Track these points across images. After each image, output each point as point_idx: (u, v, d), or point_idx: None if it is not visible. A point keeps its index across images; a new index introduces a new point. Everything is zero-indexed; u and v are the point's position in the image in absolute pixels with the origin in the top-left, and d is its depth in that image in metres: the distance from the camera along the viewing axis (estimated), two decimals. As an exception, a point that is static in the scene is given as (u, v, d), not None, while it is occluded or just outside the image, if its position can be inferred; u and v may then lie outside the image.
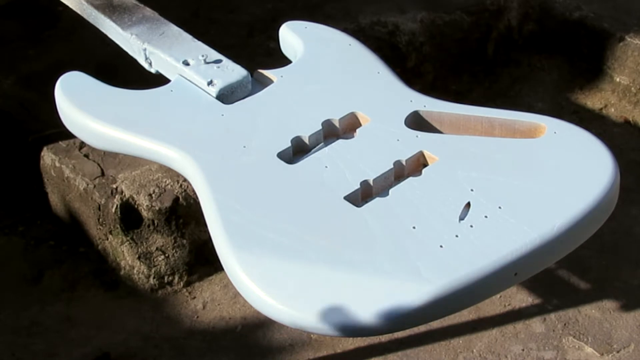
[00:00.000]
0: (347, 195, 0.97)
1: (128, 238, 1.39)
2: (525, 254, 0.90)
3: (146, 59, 1.22)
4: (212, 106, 1.11)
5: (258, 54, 1.64)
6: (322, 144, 1.07)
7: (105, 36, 1.29)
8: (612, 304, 1.35)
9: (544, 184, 0.97)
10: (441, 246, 0.90)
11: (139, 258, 1.40)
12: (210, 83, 1.13)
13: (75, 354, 1.31)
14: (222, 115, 1.10)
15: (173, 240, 1.39)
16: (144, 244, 1.39)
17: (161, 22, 1.25)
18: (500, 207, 0.94)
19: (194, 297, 1.40)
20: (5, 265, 1.46)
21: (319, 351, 1.30)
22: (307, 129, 1.07)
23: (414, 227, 0.93)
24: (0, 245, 1.49)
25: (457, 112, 1.08)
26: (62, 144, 1.47)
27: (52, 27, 1.76)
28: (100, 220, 1.40)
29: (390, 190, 0.98)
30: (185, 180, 1.33)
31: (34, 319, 1.37)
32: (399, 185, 0.99)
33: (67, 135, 1.18)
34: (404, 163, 1.02)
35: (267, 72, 1.17)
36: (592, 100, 1.76)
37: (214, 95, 1.12)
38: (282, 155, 1.03)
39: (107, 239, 1.42)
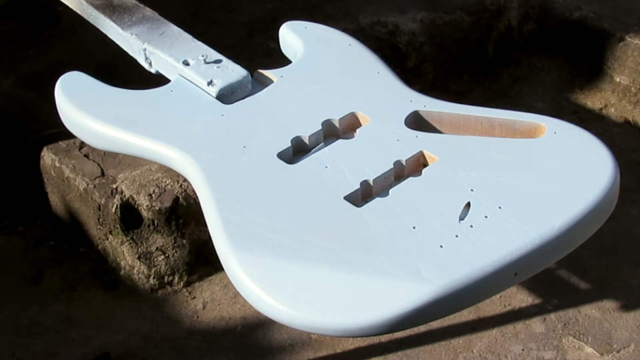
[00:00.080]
0: (347, 195, 0.97)
1: (128, 238, 1.39)
2: (525, 254, 0.90)
3: (146, 59, 1.22)
4: (212, 106, 1.11)
5: (258, 54, 1.64)
6: (322, 144, 1.07)
7: (105, 36, 1.29)
8: (612, 304, 1.35)
9: (544, 184, 0.97)
10: (441, 246, 0.90)
11: (139, 258, 1.40)
12: (210, 83, 1.13)
13: (75, 354, 1.31)
14: (222, 115, 1.10)
15: (173, 240, 1.39)
16: (144, 244, 1.39)
17: (161, 22, 1.25)
18: (500, 207, 0.94)
19: (194, 297, 1.40)
20: (5, 265, 1.46)
21: (319, 351, 1.30)
22: (307, 129, 1.07)
23: (414, 227, 0.93)
24: (0, 245, 1.49)
25: (457, 112, 1.08)
26: (62, 144, 1.47)
27: (52, 27, 1.76)
28: (100, 220, 1.40)
29: (390, 190, 0.98)
30: (185, 180, 1.33)
31: (34, 319, 1.37)
32: (399, 185, 0.99)
33: (67, 135, 1.18)
34: (404, 163, 1.02)
35: (267, 72, 1.16)
36: (592, 100, 1.76)
37: (214, 95, 1.12)
38: (282, 155, 1.03)
39: (107, 239, 1.42)
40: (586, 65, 1.78)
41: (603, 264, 1.42)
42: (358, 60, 1.19)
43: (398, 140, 1.04)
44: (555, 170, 0.98)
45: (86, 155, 1.44)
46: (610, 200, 0.96)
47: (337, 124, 1.08)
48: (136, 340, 1.33)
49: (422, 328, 1.30)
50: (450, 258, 0.89)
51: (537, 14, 1.83)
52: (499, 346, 1.30)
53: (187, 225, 1.39)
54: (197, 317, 1.37)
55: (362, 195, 0.99)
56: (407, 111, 1.08)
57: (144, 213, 1.37)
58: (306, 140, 1.06)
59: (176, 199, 1.37)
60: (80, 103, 1.12)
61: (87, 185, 1.40)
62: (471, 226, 0.92)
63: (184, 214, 1.38)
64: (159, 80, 1.18)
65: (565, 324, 1.33)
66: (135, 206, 1.37)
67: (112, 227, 1.39)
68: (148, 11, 1.28)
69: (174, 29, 1.24)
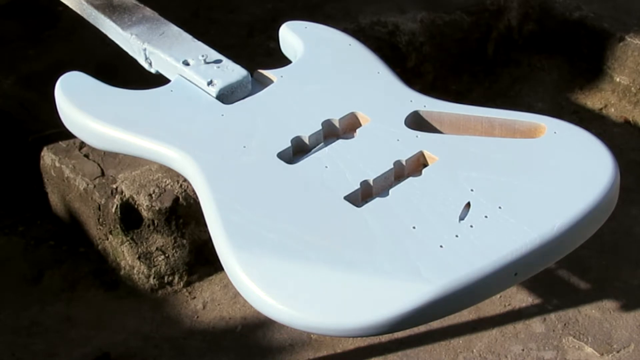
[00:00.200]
0: (347, 195, 0.97)
1: (128, 238, 1.39)
2: (525, 254, 0.90)
3: (146, 59, 1.22)
4: (212, 106, 1.11)
5: (258, 54, 1.64)
6: (322, 144, 1.07)
7: (105, 36, 1.29)
8: (612, 304, 1.35)
9: (544, 184, 0.97)
10: (441, 246, 0.90)
11: (139, 258, 1.40)
12: (210, 83, 1.13)
13: (75, 354, 1.31)
14: (222, 115, 1.10)
15: (173, 240, 1.39)
16: (144, 244, 1.39)
17: (161, 22, 1.25)
18: (500, 207, 0.94)
19: (194, 297, 1.40)
20: (5, 265, 1.46)
21: (319, 351, 1.30)
22: (307, 129, 1.07)
23: (414, 227, 0.93)
24: (0, 245, 1.49)
25: (457, 112, 1.08)
26: (62, 144, 1.47)
27: (52, 27, 1.76)
28: (100, 220, 1.40)
29: (390, 190, 0.98)
30: (185, 180, 1.33)
31: (34, 319, 1.37)
32: (399, 185, 0.99)
33: (67, 135, 1.18)
34: (404, 163, 1.02)
35: (267, 72, 1.16)
36: (592, 100, 1.76)
37: (214, 95, 1.12)
38: (282, 155, 1.03)
39: (107, 239, 1.42)
40: (586, 65, 1.78)
41: (603, 264, 1.42)
42: (358, 60, 1.19)
43: (398, 140, 1.04)
44: (555, 170, 0.98)
45: (86, 155, 1.44)
46: (610, 200, 0.96)
47: (337, 124, 1.08)
48: (136, 340, 1.33)
49: (422, 328, 1.30)
50: (450, 258, 0.89)
51: (537, 14, 1.83)
52: (499, 346, 1.30)
53: (187, 225, 1.39)
54: (197, 317, 1.37)
55: (362, 195, 0.99)
56: (407, 111, 1.08)
57: (144, 213, 1.37)
58: (306, 140, 1.06)
59: (176, 199, 1.37)
60: (80, 103, 1.12)
61: (87, 185, 1.40)
62: (471, 226, 0.92)
63: (184, 214, 1.38)
64: (159, 80, 1.18)
65: (565, 324, 1.33)
66: (135, 206, 1.37)
67: (112, 227, 1.39)
68: (148, 11, 1.28)
69: (174, 29, 1.24)
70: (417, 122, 1.08)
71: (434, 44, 1.75)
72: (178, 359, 1.30)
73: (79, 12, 1.34)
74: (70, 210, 1.47)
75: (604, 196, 0.95)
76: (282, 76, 1.16)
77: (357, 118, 1.09)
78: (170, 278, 1.41)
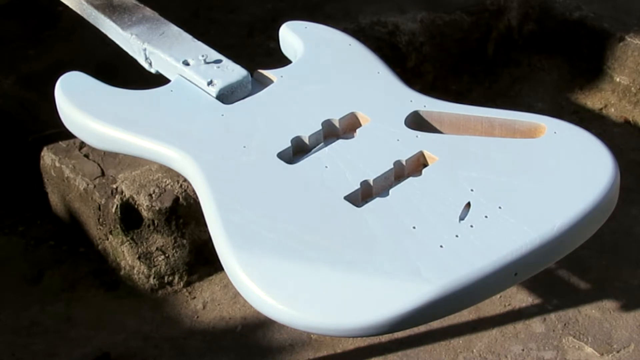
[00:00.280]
0: (347, 195, 0.97)
1: (128, 238, 1.39)
2: (525, 254, 0.90)
3: (146, 59, 1.22)
4: (212, 106, 1.11)
5: (258, 54, 1.64)
6: (322, 144, 1.07)
7: (105, 36, 1.29)
8: (612, 304, 1.35)
9: (544, 184, 0.97)
10: (441, 246, 0.90)
11: (139, 258, 1.40)
12: (210, 83, 1.13)
13: (75, 354, 1.31)
14: (222, 115, 1.10)
15: (173, 240, 1.39)
16: (144, 244, 1.39)
17: (161, 22, 1.25)
18: (500, 207, 0.94)
19: (194, 297, 1.40)
20: (5, 265, 1.46)
21: (319, 351, 1.30)
22: (307, 129, 1.07)
23: (414, 227, 0.93)
24: (0, 245, 1.49)
25: (457, 112, 1.08)
26: (62, 144, 1.47)
27: (52, 27, 1.76)
28: (100, 220, 1.40)
29: (391, 190, 0.98)
30: (185, 180, 1.33)
31: (34, 319, 1.37)
32: (399, 185, 0.99)
33: (67, 135, 1.18)
34: (404, 163, 1.02)
35: (267, 72, 1.16)
36: (592, 100, 1.76)
37: (214, 95, 1.12)
38: (282, 155, 1.03)
39: (107, 239, 1.42)
40: (586, 65, 1.78)
41: (603, 264, 1.42)
42: (358, 60, 1.19)
43: (398, 140, 1.04)
44: (555, 170, 0.98)
45: (86, 155, 1.44)
46: (610, 200, 0.96)
47: (337, 124, 1.08)
48: (136, 340, 1.33)
49: (422, 328, 1.30)
50: (450, 258, 0.89)
51: (537, 14, 1.83)
52: (499, 346, 1.30)
53: (187, 225, 1.39)
54: (197, 317, 1.37)
55: (362, 195, 0.99)
56: (407, 111, 1.08)
57: (144, 213, 1.37)
58: (306, 140, 1.06)
59: (176, 199, 1.37)
60: (80, 103, 1.12)
61: (87, 185, 1.40)
62: (471, 226, 0.92)
63: (184, 214, 1.38)
64: (159, 80, 1.18)
65: (565, 324, 1.33)
66: (135, 206, 1.37)
67: (112, 227, 1.39)
68: (148, 11, 1.28)
69: (174, 29, 1.24)
70: (417, 122, 1.08)
71: (434, 44, 1.75)
72: (178, 359, 1.30)
73: (79, 12, 1.34)
74: (70, 210, 1.47)
75: (604, 196, 0.95)
76: (282, 76, 1.16)
77: (357, 118, 1.09)
78: (170, 278, 1.41)
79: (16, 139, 1.53)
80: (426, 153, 1.02)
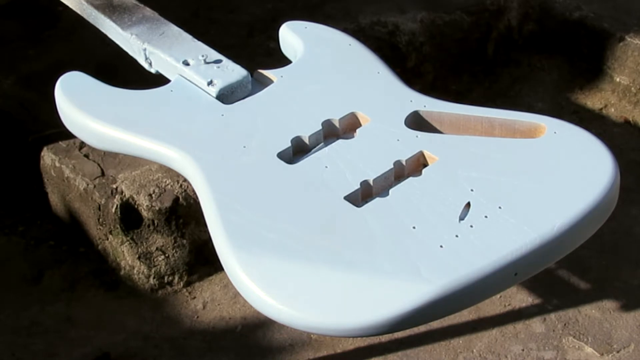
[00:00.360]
0: (347, 195, 0.97)
1: (128, 238, 1.39)
2: (525, 254, 0.90)
3: (146, 59, 1.22)
4: (212, 106, 1.11)
5: (258, 54, 1.64)
6: (322, 144, 1.07)
7: (105, 36, 1.29)
8: (612, 304, 1.35)
9: (544, 183, 0.97)
10: (441, 246, 0.90)
11: (139, 258, 1.40)
12: (210, 83, 1.13)
13: (75, 354, 1.31)
14: (222, 115, 1.10)
15: (173, 240, 1.39)
16: (144, 244, 1.39)
17: (161, 22, 1.25)
18: (500, 207, 0.94)
19: (194, 297, 1.40)
20: (5, 265, 1.46)
21: (319, 351, 1.30)
22: (307, 129, 1.07)
23: (414, 227, 0.93)
24: (0, 245, 1.49)
25: (457, 112, 1.08)
26: (62, 144, 1.47)
27: (52, 27, 1.76)
28: (100, 220, 1.40)
29: (391, 190, 0.98)
30: (185, 180, 1.33)
31: (34, 319, 1.37)
32: (399, 185, 0.99)
33: (67, 135, 1.18)
34: (404, 163, 1.02)
35: (267, 72, 1.16)
36: (592, 100, 1.76)
37: (214, 95, 1.12)
38: (282, 155, 1.03)
39: (107, 239, 1.42)
40: (586, 65, 1.78)
41: (603, 264, 1.42)
42: (358, 60, 1.19)
43: (398, 140, 1.04)
44: (555, 170, 0.98)
45: (86, 155, 1.44)
46: (610, 200, 0.96)
47: (337, 124, 1.08)
48: (136, 340, 1.33)
49: (422, 328, 1.30)
50: (450, 258, 0.89)
51: (537, 14, 1.83)
52: (499, 346, 1.30)
53: (187, 225, 1.39)
54: (197, 317, 1.37)
55: (362, 195, 0.99)
56: (407, 111, 1.08)
57: (144, 213, 1.37)
58: (306, 140, 1.06)
59: (176, 199, 1.37)
60: (80, 103, 1.12)
61: (87, 185, 1.40)
62: (471, 226, 0.92)
63: (184, 214, 1.38)
64: (159, 80, 1.18)
65: (565, 324, 1.33)
66: (135, 206, 1.37)
67: (112, 227, 1.39)
68: (148, 11, 1.28)
69: (174, 29, 1.24)
70: (417, 122, 1.08)
71: (434, 44, 1.75)
72: (178, 359, 1.30)
73: (79, 12, 1.34)
74: (70, 210, 1.47)
75: (604, 196, 0.95)
76: (282, 76, 1.16)
77: (357, 118, 1.09)
78: (170, 278, 1.41)
79: (16, 139, 1.53)
80: (426, 153, 1.02)
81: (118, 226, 1.38)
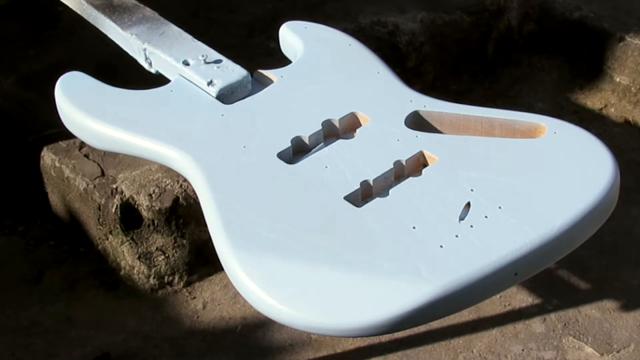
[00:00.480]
0: (347, 195, 0.97)
1: (128, 238, 1.39)
2: (525, 254, 0.90)
3: (146, 59, 1.22)
4: (212, 106, 1.11)
5: (258, 54, 1.64)
6: (322, 144, 1.07)
7: (105, 36, 1.29)
8: (612, 304, 1.35)
9: (544, 184, 0.97)
10: (441, 246, 0.90)
11: (139, 258, 1.40)
12: (210, 83, 1.13)
13: (75, 354, 1.31)
14: (222, 115, 1.10)
15: (173, 240, 1.39)
16: (144, 244, 1.39)
17: (161, 22, 1.25)
18: (500, 207, 0.94)
19: (194, 297, 1.40)
20: (5, 265, 1.46)
21: (319, 351, 1.30)
22: (307, 129, 1.07)
23: (414, 227, 0.93)
24: (0, 245, 1.49)
25: (457, 112, 1.08)
26: (62, 144, 1.47)
27: (52, 27, 1.76)
28: (100, 220, 1.40)
29: (390, 190, 0.98)
30: (185, 180, 1.33)
31: (34, 319, 1.37)
32: (399, 185, 0.99)
33: (67, 135, 1.18)
34: (404, 163, 1.02)
35: (267, 72, 1.16)
36: (592, 100, 1.76)
37: (214, 95, 1.12)
38: (282, 155, 1.03)
39: (107, 239, 1.42)
40: (586, 65, 1.78)
41: (603, 264, 1.42)
42: (358, 60, 1.19)
43: (398, 140, 1.04)
44: (555, 170, 0.98)
45: (86, 155, 1.44)
46: (610, 200, 0.96)
47: (337, 124, 1.08)
48: (136, 340, 1.33)
49: (422, 328, 1.30)
50: (450, 258, 0.89)
51: (537, 14, 1.83)
52: (499, 346, 1.30)
53: (187, 225, 1.39)
54: (197, 317, 1.37)
55: (362, 195, 0.99)
56: (407, 111, 1.08)
57: (144, 213, 1.37)
58: (306, 140, 1.06)
59: (176, 199, 1.37)
60: (80, 103, 1.12)
61: (87, 185, 1.40)
62: (471, 226, 0.92)
63: (184, 214, 1.38)
64: (159, 80, 1.18)
65: (565, 324, 1.33)
66: (135, 206, 1.37)
67: (112, 227, 1.39)
68: (148, 11, 1.28)
69: (174, 29, 1.24)
70: (417, 122, 1.08)
71: (434, 44, 1.75)
72: (178, 359, 1.30)
73: (79, 12, 1.34)
74: (70, 210, 1.47)
75: (604, 196, 0.95)
76: (282, 76, 1.16)
77: (357, 118, 1.09)
78: (170, 278, 1.41)
79: (16, 139, 1.53)
80: (426, 153, 1.02)
81: (118, 226, 1.38)
